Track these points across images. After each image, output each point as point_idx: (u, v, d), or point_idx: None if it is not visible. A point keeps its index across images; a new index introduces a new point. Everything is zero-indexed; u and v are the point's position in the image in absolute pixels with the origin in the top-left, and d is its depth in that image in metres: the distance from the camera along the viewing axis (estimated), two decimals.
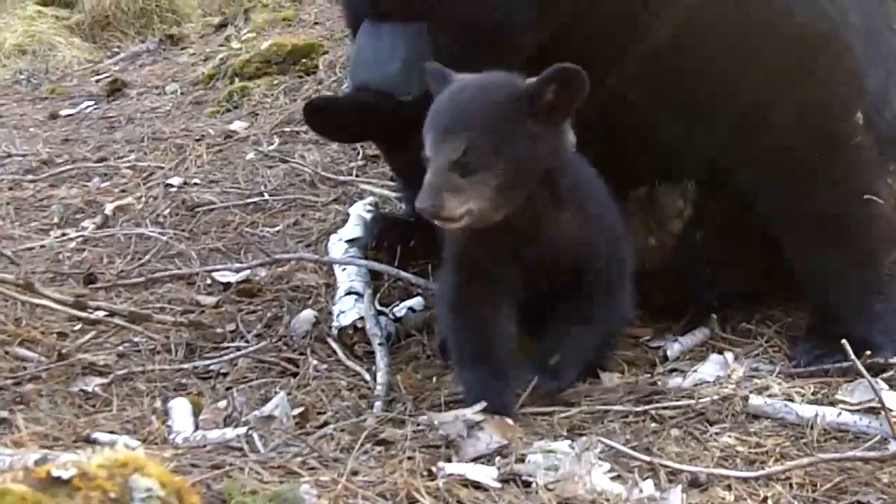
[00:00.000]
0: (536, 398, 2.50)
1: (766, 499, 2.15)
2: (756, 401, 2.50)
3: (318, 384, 2.75)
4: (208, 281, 3.39)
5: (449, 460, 2.25)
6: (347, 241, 3.44)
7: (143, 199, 4.14)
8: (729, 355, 2.74)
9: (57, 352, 2.86)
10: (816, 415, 2.43)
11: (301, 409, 2.57)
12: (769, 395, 2.53)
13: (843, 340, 2.35)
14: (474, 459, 2.27)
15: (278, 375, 2.83)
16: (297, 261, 3.43)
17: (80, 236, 3.81)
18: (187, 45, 6.57)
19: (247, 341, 3.00)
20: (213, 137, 4.80)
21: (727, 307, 2.99)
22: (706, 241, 2.90)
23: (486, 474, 2.18)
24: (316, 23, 6.00)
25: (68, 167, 4.60)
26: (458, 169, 2.33)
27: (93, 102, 5.73)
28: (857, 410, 2.44)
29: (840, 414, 2.44)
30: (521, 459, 2.24)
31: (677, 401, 2.54)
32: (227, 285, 3.35)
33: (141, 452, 1.84)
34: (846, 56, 2.78)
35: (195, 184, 4.29)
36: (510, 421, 2.37)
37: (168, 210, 4.03)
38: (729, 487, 2.18)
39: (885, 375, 2.57)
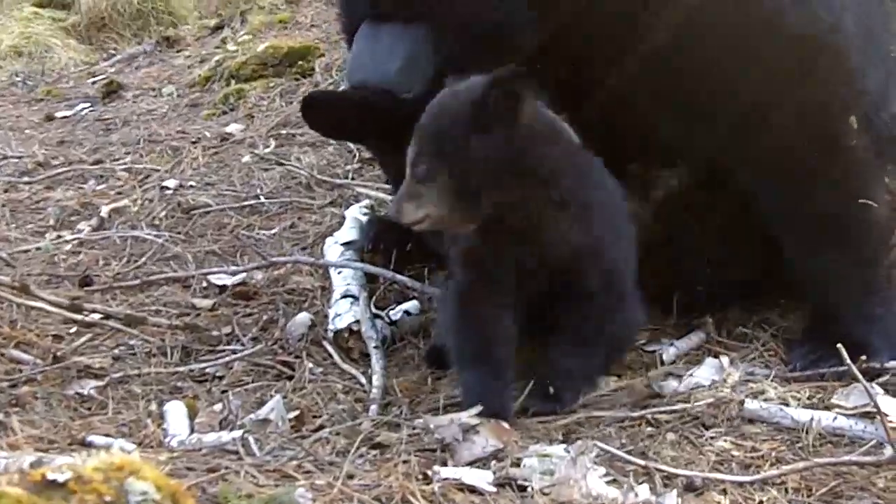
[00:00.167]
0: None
1: (761, 503, 2.15)
2: (752, 405, 2.50)
3: (314, 387, 2.75)
4: (204, 284, 3.38)
5: (444, 464, 2.25)
6: (343, 244, 3.44)
7: (139, 202, 4.14)
8: (725, 359, 2.74)
9: (52, 354, 2.86)
10: (812, 419, 2.44)
11: (297, 413, 2.57)
12: (765, 400, 2.53)
13: (839, 345, 2.35)
14: (470, 463, 2.27)
15: (274, 379, 2.83)
16: (292, 264, 3.43)
17: (75, 238, 3.81)
18: (183, 48, 6.56)
19: (242, 344, 3.00)
20: (209, 140, 4.80)
21: (726, 308, 2.99)
22: (705, 240, 2.90)
23: (482, 478, 2.18)
24: (312, 25, 6.00)
25: (64, 169, 4.59)
26: (418, 176, 2.45)
27: (89, 104, 5.72)
28: (853, 415, 2.44)
29: (836, 418, 2.44)
30: (517, 463, 2.24)
31: (673, 405, 2.54)
32: (222, 288, 3.35)
33: (136, 456, 1.84)
34: (844, 57, 2.79)
35: (191, 186, 4.28)
36: (506, 425, 2.37)
37: (164, 212, 4.02)
38: (724, 492, 2.18)
39: (880, 380, 2.58)
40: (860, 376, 2.37)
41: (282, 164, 4.38)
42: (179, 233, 3.85)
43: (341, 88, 4.91)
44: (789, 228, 2.85)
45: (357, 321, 2.95)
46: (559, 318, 2.54)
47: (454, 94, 2.48)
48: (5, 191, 4.38)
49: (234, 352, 2.95)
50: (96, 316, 3.12)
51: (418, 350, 2.92)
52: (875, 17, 2.93)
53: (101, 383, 2.77)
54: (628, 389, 2.63)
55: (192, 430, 2.52)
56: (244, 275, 3.40)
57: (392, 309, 3.07)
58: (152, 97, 5.65)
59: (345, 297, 3.08)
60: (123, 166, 4.57)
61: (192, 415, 2.59)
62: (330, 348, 2.93)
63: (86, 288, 3.36)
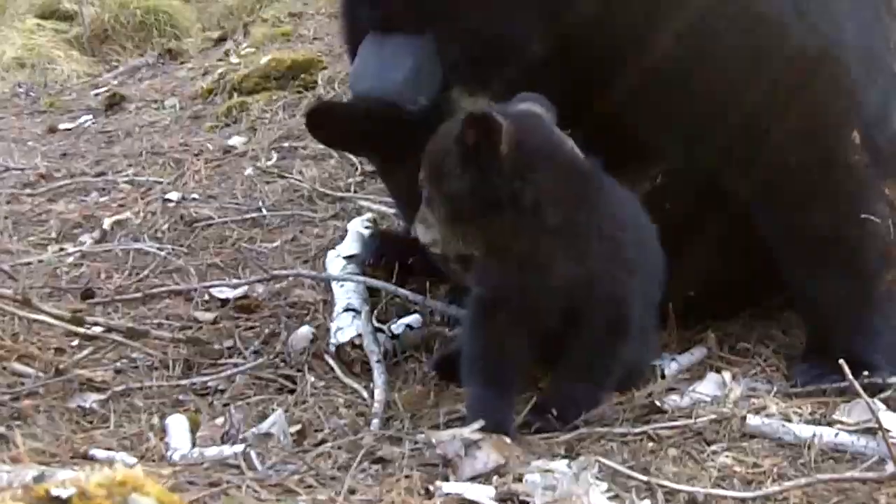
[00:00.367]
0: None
1: None
2: (754, 420, 2.50)
3: (316, 401, 2.74)
4: (206, 297, 3.39)
5: (446, 479, 2.25)
6: (345, 258, 3.44)
7: (142, 214, 4.14)
8: (727, 374, 2.73)
9: (54, 367, 2.86)
10: (814, 435, 2.43)
11: (298, 427, 2.57)
12: (767, 415, 2.53)
13: (841, 361, 2.35)
14: (472, 478, 2.26)
15: (276, 392, 2.83)
16: (294, 277, 3.43)
17: (77, 251, 3.81)
18: (186, 60, 6.57)
19: (244, 358, 3.00)
20: (211, 152, 4.80)
21: (727, 320, 2.99)
22: (705, 253, 2.90)
23: (484, 494, 2.18)
24: (315, 38, 6.01)
25: (66, 181, 4.60)
26: (424, 201, 2.52)
27: (91, 116, 5.73)
28: (855, 431, 2.44)
29: (838, 434, 2.44)
30: (519, 479, 2.24)
31: (675, 420, 2.53)
32: (224, 301, 3.35)
33: (139, 470, 1.84)
34: (845, 72, 2.79)
35: (193, 199, 4.29)
36: (508, 440, 2.37)
37: (166, 225, 4.03)
38: None
39: (882, 396, 2.57)
40: (862, 392, 2.37)
41: (284, 177, 4.39)
42: (182, 245, 3.85)
43: (345, 99, 4.96)
44: (788, 245, 2.85)
45: (359, 335, 2.95)
46: (565, 345, 2.54)
47: (453, 123, 2.50)
48: (7, 203, 4.38)
49: (235, 365, 2.95)
50: (98, 329, 3.12)
51: (420, 364, 2.92)
52: (874, 33, 2.93)
53: (102, 396, 2.77)
54: (630, 405, 2.63)
55: (194, 444, 2.52)
56: (246, 288, 3.40)
57: (394, 323, 3.07)
58: (155, 109, 5.66)
59: (347, 310, 3.08)
60: (126, 179, 4.58)
61: (194, 428, 2.59)
62: (332, 362, 2.93)
63: (88, 301, 3.36)
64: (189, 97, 5.74)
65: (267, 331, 3.14)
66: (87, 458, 2.41)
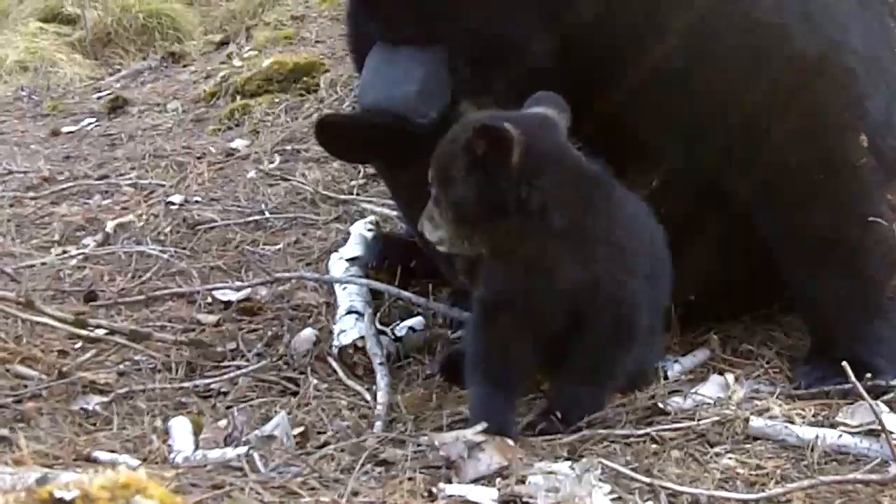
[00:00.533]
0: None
1: None
2: (757, 422, 2.49)
3: (319, 403, 2.75)
4: (209, 299, 3.39)
5: (449, 481, 2.25)
6: (348, 260, 3.45)
7: (144, 217, 4.14)
8: (730, 376, 2.73)
9: (57, 370, 2.86)
10: (817, 437, 2.43)
11: (301, 429, 2.57)
12: (770, 417, 2.53)
13: (844, 363, 2.35)
14: (475, 480, 2.26)
15: (279, 394, 2.83)
16: (297, 279, 3.43)
17: (80, 254, 3.81)
18: (189, 63, 6.58)
19: (247, 360, 3.00)
20: (214, 155, 4.80)
21: (728, 324, 2.99)
22: (707, 255, 2.90)
23: (487, 496, 2.18)
24: (317, 41, 6.01)
25: (69, 184, 4.60)
26: (432, 199, 2.52)
27: (94, 119, 5.73)
28: (858, 433, 2.44)
29: (841, 436, 2.44)
30: (522, 481, 2.24)
31: (678, 422, 2.53)
32: (227, 304, 3.35)
33: (142, 473, 1.84)
34: (846, 77, 2.79)
35: (196, 202, 4.29)
36: (511, 442, 2.37)
37: (169, 228, 4.03)
38: None
39: (885, 398, 2.56)
40: (865, 394, 2.36)
41: (287, 180, 4.39)
42: (184, 248, 3.86)
43: (346, 105, 4.96)
44: (788, 245, 2.84)
45: (362, 337, 2.95)
46: (570, 348, 2.54)
47: (462, 127, 2.50)
48: (11, 206, 4.38)
49: (238, 367, 2.95)
50: (101, 331, 3.12)
51: (423, 366, 2.92)
52: (879, 37, 2.93)
53: (106, 399, 2.77)
54: (632, 407, 2.63)
55: (197, 446, 2.53)
56: (249, 290, 3.40)
57: (397, 325, 3.08)
58: (157, 112, 5.66)
59: (350, 313, 3.08)
60: (129, 181, 4.58)
61: (197, 431, 2.59)
62: (335, 364, 2.93)
63: (91, 303, 3.36)
64: (192, 100, 5.74)
65: (270, 333, 3.14)
66: (91, 461, 2.42)
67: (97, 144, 5.27)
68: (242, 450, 2.41)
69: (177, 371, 2.95)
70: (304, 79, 5.31)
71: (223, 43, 6.72)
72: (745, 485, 2.29)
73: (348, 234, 3.72)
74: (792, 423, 2.51)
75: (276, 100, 5.24)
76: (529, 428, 2.48)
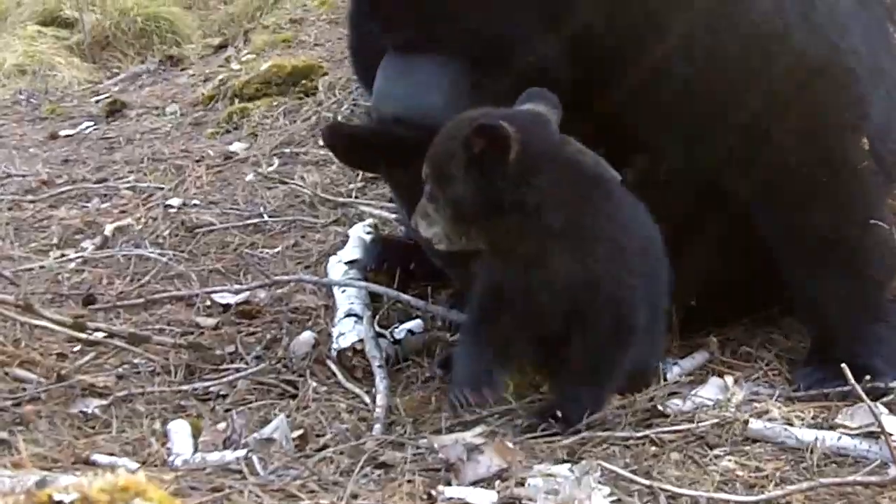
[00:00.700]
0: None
1: None
2: (756, 425, 2.50)
3: (318, 406, 2.75)
4: (208, 302, 3.39)
5: (449, 484, 2.25)
6: (347, 263, 3.44)
7: (143, 220, 4.14)
8: (729, 379, 2.74)
9: (56, 373, 2.86)
10: (816, 439, 2.43)
11: (300, 432, 2.57)
12: (769, 419, 2.53)
13: (843, 365, 2.35)
14: (474, 483, 2.26)
15: (277, 397, 2.83)
16: (296, 282, 3.43)
17: (79, 257, 3.81)
18: (187, 66, 6.58)
19: (246, 363, 3.00)
20: (212, 158, 4.80)
21: (728, 326, 2.99)
22: (706, 256, 2.89)
23: (486, 498, 2.18)
24: (315, 44, 6.01)
25: (68, 188, 4.60)
26: (426, 196, 2.52)
27: (92, 123, 5.73)
28: (857, 435, 2.44)
29: (840, 438, 2.44)
30: (521, 483, 2.24)
31: (677, 424, 2.53)
32: (226, 307, 3.35)
33: (141, 476, 1.84)
34: (848, 79, 2.79)
35: (195, 205, 4.29)
36: (510, 444, 2.37)
37: (167, 231, 4.03)
38: None
39: (885, 400, 2.57)
40: (864, 396, 2.37)
41: (285, 183, 4.39)
42: (183, 251, 3.85)
43: (344, 107, 4.96)
44: (788, 245, 2.84)
45: (361, 340, 2.95)
46: (569, 348, 2.54)
47: (458, 124, 2.50)
48: (9, 209, 4.38)
49: (237, 370, 2.95)
50: (100, 334, 3.13)
51: (422, 369, 2.92)
52: (879, 45, 2.94)
53: (104, 402, 2.77)
54: (632, 409, 2.63)
55: (196, 449, 2.52)
56: (248, 293, 3.40)
57: (396, 328, 3.08)
58: (156, 116, 5.66)
59: (348, 315, 3.08)
60: (127, 185, 4.58)
61: (196, 434, 2.59)
62: (333, 367, 2.93)
63: (89, 306, 3.36)
64: (190, 103, 5.74)
65: (269, 336, 3.14)
66: (90, 464, 2.41)
67: (95, 148, 5.26)
68: (241, 453, 2.41)
69: (176, 374, 2.95)
70: (303, 82, 5.31)
71: (221, 46, 6.72)
72: (744, 487, 2.29)
73: (347, 236, 3.71)
74: (791, 425, 2.51)
75: (275, 103, 5.24)
76: (530, 429, 2.48)
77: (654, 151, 2.84)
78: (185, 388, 2.87)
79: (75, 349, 3.07)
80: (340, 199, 4.20)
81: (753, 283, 2.98)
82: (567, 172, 2.51)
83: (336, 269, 3.45)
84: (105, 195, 4.51)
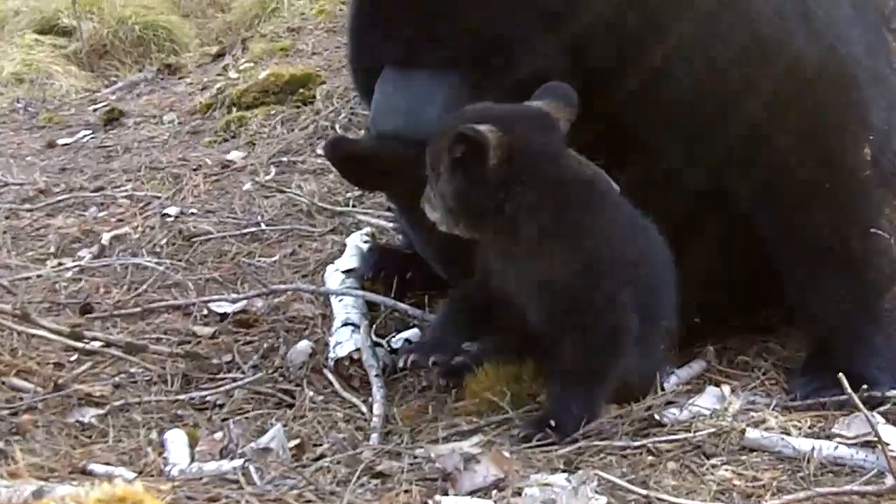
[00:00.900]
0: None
1: None
2: (753, 434, 2.49)
3: (315, 416, 2.74)
4: (205, 311, 3.38)
5: (446, 493, 2.25)
6: (344, 272, 3.44)
7: (140, 229, 4.14)
8: (726, 388, 2.73)
9: (53, 382, 2.86)
10: (813, 448, 2.43)
11: (297, 441, 2.56)
12: (766, 429, 2.53)
13: (840, 374, 2.35)
14: (471, 493, 2.26)
15: (274, 407, 2.83)
16: (293, 291, 3.43)
17: (76, 266, 3.81)
18: (185, 75, 6.57)
19: (243, 372, 3.00)
20: (210, 167, 4.80)
21: (725, 335, 2.99)
22: (704, 260, 2.89)
23: None
24: (313, 53, 6.02)
25: (65, 196, 4.59)
26: (430, 184, 2.58)
27: (90, 131, 5.72)
28: (854, 444, 2.44)
29: (837, 448, 2.44)
30: (518, 493, 2.23)
31: (674, 434, 2.53)
32: (223, 316, 3.35)
33: (138, 486, 1.84)
34: (848, 81, 2.80)
35: (192, 213, 4.29)
36: (507, 454, 2.37)
37: (165, 240, 4.02)
38: None
39: (882, 409, 2.57)
40: (861, 405, 2.37)
41: (283, 192, 4.39)
42: (180, 260, 3.85)
43: (342, 115, 4.97)
44: (788, 245, 2.84)
45: (358, 349, 2.95)
46: (558, 357, 2.55)
47: (455, 120, 2.52)
48: (6, 218, 4.37)
49: (234, 380, 2.95)
50: (97, 344, 3.12)
51: (419, 378, 2.91)
52: (879, 55, 2.94)
53: (101, 411, 2.77)
54: (628, 418, 2.63)
55: (193, 459, 2.52)
56: (245, 302, 3.40)
57: (393, 337, 3.07)
58: (153, 124, 5.65)
59: (345, 324, 3.08)
60: (124, 193, 4.58)
61: (193, 443, 2.59)
62: (331, 376, 2.93)
63: (86, 315, 3.36)
64: (187, 112, 5.74)
65: (266, 345, 3.14)
66: (86, 474, 2.41)
67: (93, 156, 5.26)
68: (238, 462, 2.41)
69: (172, 383, 2.95)
70: (301, 90, 5.31)
71: (219, 55, 6.72)
72: (741, 496, 2.29)
73: (344, 245, 3.72)
74: (788, 434, 2.51)
75: (272, 111, 5.24)
76: (526, 439, 2.48)
77: (654, 151, 2.84)
78: (181, 397, 2.87)
79: (72, 358, 3.07)
80: (338, 208, 4.20)
81: (753, 284, 2.98)
82: (550, 183, 2.52)
83: (333, 277, 3.45)
84: (102, 204, 4.51)
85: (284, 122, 5.13)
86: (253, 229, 4.08)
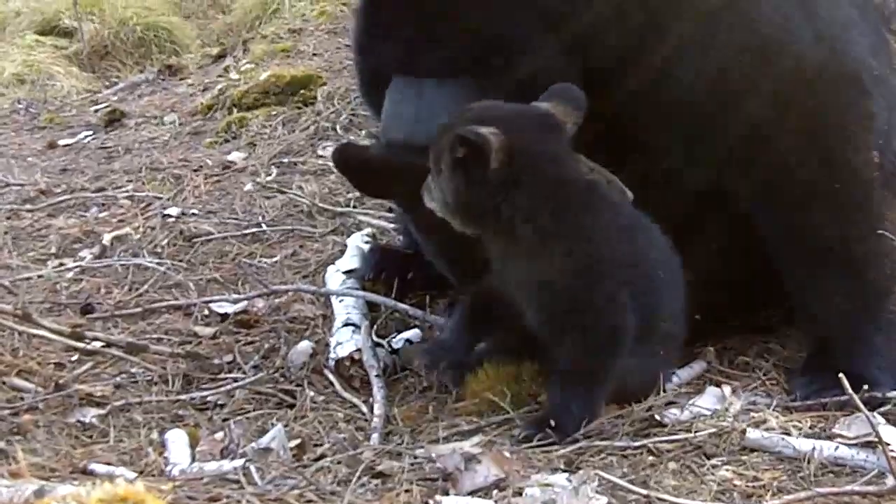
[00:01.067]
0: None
1: None
2: (753, 434, 2.49)
3: (315, 416, 2.75)
4: (205, 312, 3.39)
5: (446, 493, 2.25)
6: (345, 273, 3.45)
7: (141, 230, 4.14)
8: (726, 388, 2.73)
9: (54, 382, 2.86)
10: (814, 449, 2.43)
11: (298, 441, 2.56)
12: (767, 429, 2.53)
13: (841, 374, 2.35)
14: (472, 493, 2.26)
15: (275, 407, 2.83)
16: (294, 292, 3.43)
17: (77, 266, 3.81)
18: (186, 76, 6.58)
19: (244, 372, 3.00)
20: (211, 168, 4.80)
21: (724, 336, 2.99)
22: (704, 260, 2.89)
23: None
24: (314, 54, 6.02)
25: (66, 197, 4.60)
26: (432, 175, 2.59)
27: (91, 132, 5.72)
28: (855, 445, 2.44)
29: (837, 448, 2.44)
30: (519, 493, 2.24)
31: (675, 434, 2.53)
32: (224, 316, 3.35)
33: (139, 486, 1.84)
34: (850, 81, 2.80)
35: (193, 214, 4.29)
36: (508, 454, 2.37)
37: (166, 240, 4.03)
38: None
39: (882, 409, 2.57)
40: (862, 406, 2.37)
41: (283, 193, 4.39)
42: (181, 261, 3.85)
43: (342, 117, 4.97)
44: (790, 247, 2.84)
45: (358, 350, 2.95)
46: (557, 351, 2.56)
47: (456, 119, 2.53)
48: (7, 218, 4.38)
49: (235, 380, 2.95)
50: (98, 344, 3.12)
51: (420, 379, 2.92)
52: (877, 48, 2.94)
53: (102, 411, 2.77)
54: (629, 418, 2.63)
55: (194, 459, 2.52)
56: (246, 303, 3.40)
57: (393, 337, 3.08)
58: (154, 125, 5.66)
59: (346, 325, 3.08)
60: (125, 194, 4.58)
61: (194, 443, 2.59)
62: (331, 377, 2.93)
63: (87, 316, 3.36)
64: (188, 113, 5.74)
65: (266, 346, 3.14)
66: (87, 473, 2.41)
67: (94, 157, 5.26)
68: (239, 462, 2.41)
69: (173, 383, 2.95)
70: (302, 92, 5.32)
71: (220, 56, 6.72)
72: (741, 497, 2.29)
73: (345, 246, 3.72)
74: (788, 434, 2.51)
75: (273, 112, 5.24)
76: (527, 439, 2.48)
77: (654, 151, 2.84)
78: (182, 397, 2.87)
79: (73, 358, 3.07)
80: (339, 209, 4.20)
81: (753, 284, 2.98)
82: (550, 184, 2.53)
83: (334, 278, 3.45)
84: (103, 204, 4.51)
85: (285, 123, 5.14)
86: (254, 230, 4.08)
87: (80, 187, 4.74)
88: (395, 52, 2.72)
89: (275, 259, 3.84)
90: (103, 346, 3.11)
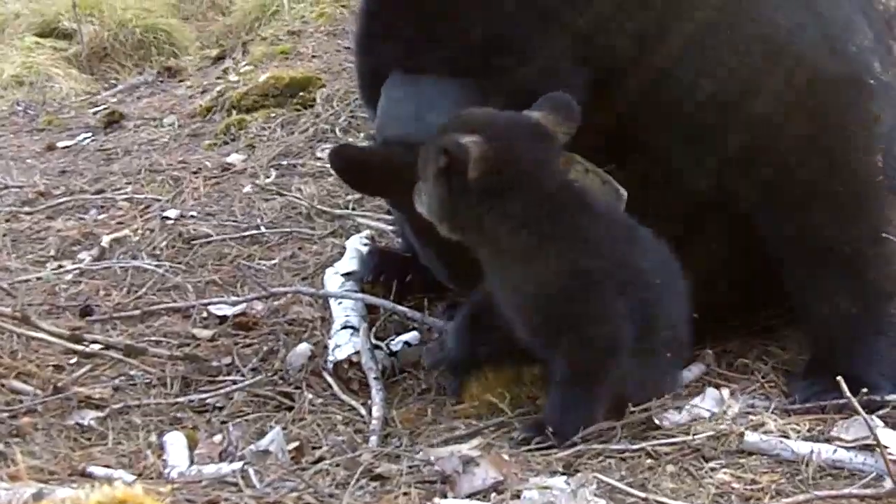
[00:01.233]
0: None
1: None
2: (752, 437, 2.50)
3: (314, 418, 2.75)
4: (204, 314, 3.39)
5: (445, 496, 2.25)
6: (343, 275, 3.45)
7: (140, 232, 4.14)
8: (725, 391, 2.73)
9: (52, 385, 2.86)
10: (812, 452, 2.43)
11: (296, 444, 2.57)
12: (765, 432, 2.53)
13: (839, 377, 2.35)
14: (470, 495, 2.27)
15: (274, 409, 2.83)
16: (293, 294, 3.43)
17: (76, 269, 3.81)
18: (185, 78, 6.57)
19: (242, 375, 3.00)
20: (210, 170, 4.80)
21: (724, 338, 2.99)
22: (703, 264, 2.89)
23: None
24: (314, 56, 6.01)
25: (65, 199, 4.60)
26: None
27: (90, 134, 5.72)
28: (853, 448, 2.44)
29: (836, 451, 2.44)
30: (517, 495, 2.24)
31: (673, 437, 2.53)
32: (223, 318, 3.35)
33: (138, 488, 1.84)
34: (852, 82, 2.80)
35: (192, 216, 4.29)
36: (506, 457, 2.37)
37: (164, 242, 4.03)
38: None
39: (881, 413, 2.57)
40: (860, 409, 2.36)
41: (282, 195, 4.39)
42: (180, 263, 3.85)
43: (342, 118, 4.97)
44: (790, 248, 2.84)
45: (357, 352, 2.95)
46: (553, 355, 2.56)
47: (444, 127, 2.53)
48: (6, 220, 4.38)
49: (234, 382, 2.95)
50: (96, 346, 3.13)
51: (418, 381, 2.92)
52: (881, 52, 2.94)
53: (101, 414, 2.77)
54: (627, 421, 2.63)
55: (192, 462, 2.52)
56: (244, 305, 3.40)
57: (392, 340, 3.08)
58: (153, 127, 5.65)
59: (345, 327, 3.08)
60: (124, 196, 4.58)
61: (192, 446, 2.60)
62: (330, 379, 2.93)
63: (86, 318, 3.36)
64: (188, 115, 5.74)
65: (265, 348, 3.14)
66: (86, 476, 2.42)
67: (93, 159, 5.26)
68: (237, 465, 2.41)
69: (172, 386, 2.95)
70: (301, 94, 5.31)
71: (219, 58, 6.72)
72: (740, 499, 2.30)
73: (344, 248, 3.72)
74: (787, 437, 2.51)
75: (273, 114, 5.24)
76: (525, 442, 2.48)
77: (655, 152, 2.84)
78: (181, 400, 2.87)
79: (72, 361, 3.07)
80: (337, 211, 4.20)
81: (753, 284, 2.98)
82: (536, 193, 2.53)
83: (333, 280, 3.45)
84: (102, 206, 4.51)
85: (284, 125, 5.13)
86: (253, 232, 4.08)
87: (79, 189, 4.74)
88: (396, 52, 2.72)
89: (273, 261, 3.84)
90: (102, 349, 3.11)
